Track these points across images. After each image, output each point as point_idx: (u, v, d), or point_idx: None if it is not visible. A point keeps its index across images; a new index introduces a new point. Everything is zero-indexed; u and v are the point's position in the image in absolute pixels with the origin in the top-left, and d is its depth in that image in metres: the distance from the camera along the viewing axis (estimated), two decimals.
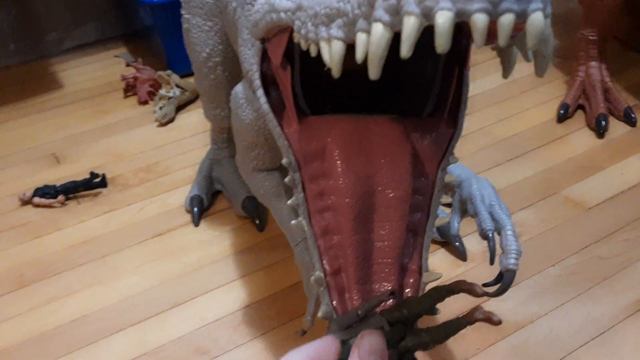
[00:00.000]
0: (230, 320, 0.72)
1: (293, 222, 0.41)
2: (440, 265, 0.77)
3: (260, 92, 0.42)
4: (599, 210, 0.84)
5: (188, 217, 0.88)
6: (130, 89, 1.23)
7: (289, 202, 0.41)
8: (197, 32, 0.73)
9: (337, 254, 0.40)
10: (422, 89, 0.44)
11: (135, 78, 1.22)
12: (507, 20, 0.26)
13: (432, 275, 0.41)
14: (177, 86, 1.16)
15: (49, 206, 0.93)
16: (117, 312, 0.75)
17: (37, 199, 0.93)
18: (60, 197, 0.93)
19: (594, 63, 1.04)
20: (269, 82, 0.43)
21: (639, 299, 0.70)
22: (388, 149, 0.40)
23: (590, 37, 1.03)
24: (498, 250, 0.51)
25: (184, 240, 0.84)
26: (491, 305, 0.71)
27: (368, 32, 0.28)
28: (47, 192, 0.94)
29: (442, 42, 0.26)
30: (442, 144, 0.42)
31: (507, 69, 0.31)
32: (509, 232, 0.50)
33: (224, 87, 0.76)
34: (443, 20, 0.26)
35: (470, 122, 1.05)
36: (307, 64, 0.40)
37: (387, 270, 0.40)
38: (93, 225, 0.89)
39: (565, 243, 0.79)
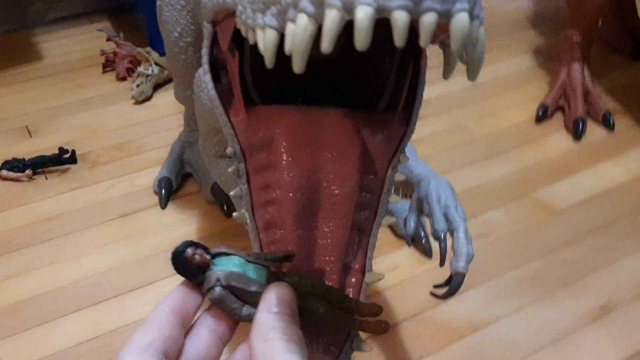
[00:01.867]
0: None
1: (235, 214, 0.40)
2: (406, 262, 0.77)
3: (208, 77, 0.41)
4: (568, 214, 0.83)
5: (156, 198, 0.87)
6: (109, 64, 1.21)
7: (231, 193, 0.40)
8: (169, 10, 0.71)
9: (279, 248, 0.39)
10: (378, 84, 0.43)
11: (115, 53, 1.20)
12: (428, 19, 0.25)
13: (375, 275, 0.40)
14: (156, 64, 1.14)
15: (17, 180, 0.91)
16: (75, 292, 0.74)
17: (4, 172, 0.92)
18: (28, 172, 0.91)
19: (576, 64, 1.03)
20: (220, 67, 0.42)
21: (599, 307, 0.70)
22: (336, 144, 0.39)
23: (574, 39, 1.02)
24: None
25: (149, 222, 0.83)
26: (450, 306, 0.71)
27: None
28: (15, 165, 0.92)
29: (361, 39, 0.25)
30: (394, 142, 0.41)
31: (446, 69, 0.30)
32: (461, 235, 0.49)
33: (195, 68, 0.74)
34: (363, 15, 0.25)
35: (448, 119, 1.04)
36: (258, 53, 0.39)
37: (328, 268, 0.39)
38: (59, 201, 0.88)
39: (531, 246, 0.78)
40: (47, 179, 0.92)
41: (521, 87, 1.13)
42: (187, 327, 0.32)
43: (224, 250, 0.34)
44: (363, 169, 0.39)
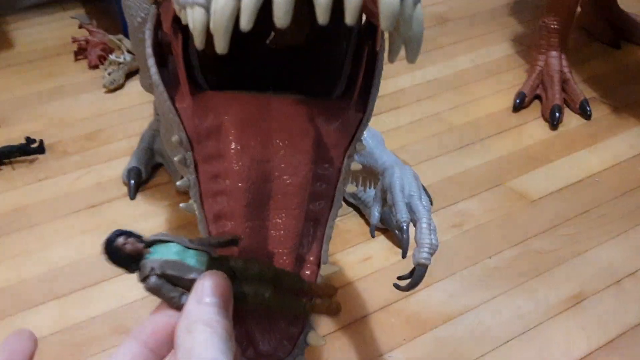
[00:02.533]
0: (154, 300, 0.69)
1: (182, 205, 0.39)
2: (378, 253, 0.76)
3: (151, 61, 0.39)
4: (542, 203, 0.83)
5: (125, 189, 0.85)
6: (81, 52, 1.18)
7: (178, 183, 0.39)
8: None
9: None
10: (334, 70, 0.41)
11: (87, 41, 1.17)
12: None
13: (331, 267, 0.39)
14: (129, 52, 1.11)
15: None
16: (39, 285, 0.72)
17: None
18: None
19: (554, 52, 1.02)
20: (167, 52, 0.40)
21: (570, 297, 0.69)
22: (288, 132, 0.38)
23: (552, 26, 1.01)
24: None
25: (118, 213, 0.82)
26: (421, 296, 0.70)
27: None
28: None
29: (280, 12, 0.24)
30: (349, 130, 0.39)
31: (389, 51, 0.29)
32: (424, 225, 0.48)
33: None
34: None
35: (425, 108, 1.03)
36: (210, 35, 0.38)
37: (282, 260, 0.38)
38: (25, 192, 0.86)
39: (505, 235, 0.78)
40: (14, 169, 0.90)
41: (500, 75, 1.12)
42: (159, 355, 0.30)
43: (162, 237, 0.32)
44: (317, 158, 0.38)
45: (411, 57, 0.28)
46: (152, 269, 0.31)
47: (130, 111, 1.02)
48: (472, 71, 1.13)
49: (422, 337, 0.66)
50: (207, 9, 0.27)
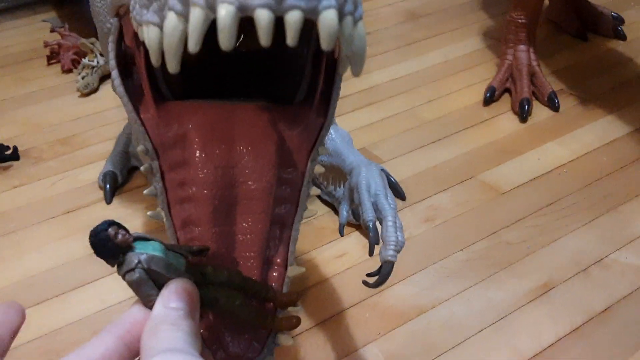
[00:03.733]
0: (131, 304, 0.70)
1: (150, 213, 0.40)
2: (353, 249, 0.77)
3: (115, 73, 0.40)
4: (512, 195, 0.85)
5: (101, 194, 0.85)
6: (54, 56, 1.18)
7: (145, 191, 0.40)
8: (101, 0, 0.69)
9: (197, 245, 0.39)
10: (296, 76, 0.42)
11: (59, 45, 1.17)
12: (292, 17, 0.24)
13: (297, 269, 0.40)
14: (102, 55, 1.11)
15: None
16: (15, 293, 0.72)
17: None
18: None
19: (522, 46, 1.04)
20: (130, 63, 0.41)
21: (538, 286, 0.71)
22: (252, 138, 0.39)
23: (519, 20, 1.03)
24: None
25: (94, 217, 0.82)
26: (395, 290, 0.71)
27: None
28: None
29: (224, 37, 0.24)
30: (311, 134, 0.40)
31: (337, 66, 0.30)
32: (389, 223, 0.49)
33: None
34: (225, 13, 0.24)
35: (398, 104, 1.04)
36: None
37: (249, 263, 0.39)
38: (0, 199, 0.86)
39: (476, 228, 0.79)
40: None
41: (471, 70, 1.13)
42: (133, 351, 0.31)
43: (145, 235, 0.33)
44: (280, 163, 0.39)
45: (355, 72, 0.29)
46: (139, 262, 0.31)
47: (105, 115, 1.02)
48: (444, 66, 1.15)
49: (396, 331, 0.67)
50: (161, 27, 0.28)
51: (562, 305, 0.69)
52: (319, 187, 0.81)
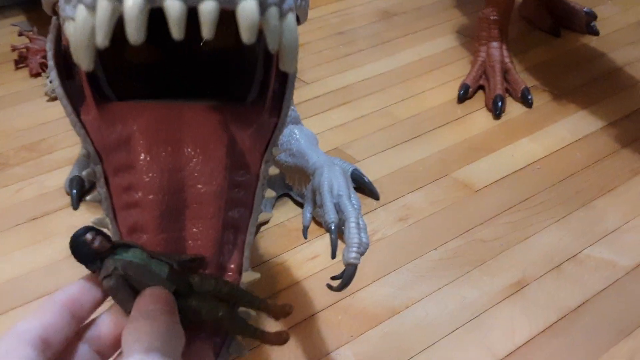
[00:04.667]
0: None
1: (93, 219, 0.38)
2: (326, 251, 0.75)
3: (54, 74, 0.38)
4: (486, 192, 0.84)
5: (68, 199, 0.83)
6: (22, 60, 1.15)
7: (88, 197, 0.38)
8: None
9: None
10: (248, 74, 0.41)
11: (27, 49, 1.14)
12: (206, 8, 0.23)
13: (252, 275, 0.39)
14: None
15: None
16: None
17: None
18: None
19: (495, 43, 1.04)
20: (71, 62, 0.39)
21: (512, 283, 0.71)
22: (201, 139, 0.37)
23: (491, 17, 1.03)
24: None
25: (61, 224, 0.80)
26: (368, 292, 0.70)
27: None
28: None
29: (131, 30, 0.23)
30: (264, 135, 0.39)
31: (284, 63, 0.28)
32: (352, 225, 0.48)
33: None
34: (131, 4, 0.23)
35: (373, 103, 1.04)
36: (115, 45, 0.37)
37: (201, 270, 0.37)
38: None
39: (450, 226, 0.79)
40: None
41: (445, 68, 1.13)
42: (79, 321, 0.32)
43: (127, 242, 0.33)
44: (232, 165, 0.38)
45: (286, 67, 0.28)
46: (116, 268, 0.31)
47: None
48: (417, 65, 1.14)
49: (369, 333, 0.66)
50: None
51: (536, 303, 0.68)
52: (290, 189, 0.80)
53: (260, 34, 0.27)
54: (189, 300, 0.33)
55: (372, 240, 0.77)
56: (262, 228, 0.79)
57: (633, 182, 0.85)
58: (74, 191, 0.82)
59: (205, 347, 0.35)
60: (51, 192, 0.85)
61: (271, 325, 0.63)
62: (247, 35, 0.24)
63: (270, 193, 0.39)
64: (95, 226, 0.32)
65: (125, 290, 0.32)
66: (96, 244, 0.32)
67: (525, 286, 0.70)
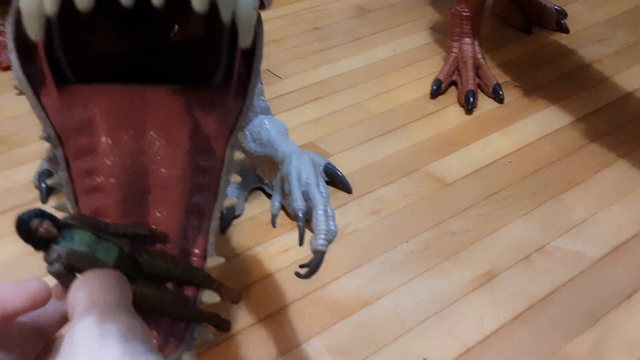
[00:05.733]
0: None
1: (53, 203, 0.37)
2: (295, 244, 0.76)
3: (13, 56, 0.38)
4: (457, 186, 0.85)
5: (37, 193, 0.82)
6: None
7: (49, 181, 0.38)
8: None
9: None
10: (213, 58, 0.41)
11: None
12: None
13: (217, 259, 0.38)
14: None
15: None
16: None
17: None
18: None
19: (467, 39, 1.05)
20: (32, 45, 0.39)
21: (481, 274, 0.72)
22: (164, 123, 0.37)
23: (464, 13, 1.04)
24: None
25: None
26: (340, 284, 0.70)
27: None
28: None
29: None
30: (229, 119, 0.39)
31: (239, 37, 0.28)
32: (320, 212, 0.48)
33: None
34: None
35: (346, 98, 1.04)
36: (78, 25, 0.37)
37: (160, 247, 0.37)
38: None
39: (421, 219, 0.79)
40: None
41: (418, 64, 1.14)
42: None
43: (77, 223, 0.32)
44: (196, 149, 0.37)
45: (241, 40, 0.28)
46: (59, 256, 0.31)
47: None
48: (391, 60, 1.15)
49: (340, 324, 0.66)
50: None
51: (504, 293, 0.69)
52: (262, 181, 0.80)
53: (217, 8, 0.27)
54: (138, 286, 0.33)
55: (345, 233, 0.77)
56: (235, 221, 0.79)
57: (600, 175, 0.86)
58: (43, 185, 0.81)
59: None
60: (20, 185, 0.84)
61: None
62: (197, 4, 0.24)
63: (235, 178, 0.39)
64: (41, 210, 0.31)
65: (69, 277, 0.31)
66: (41, 231, 0.31)
67: (494, 277, 0.71)
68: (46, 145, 0.89)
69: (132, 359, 0.25)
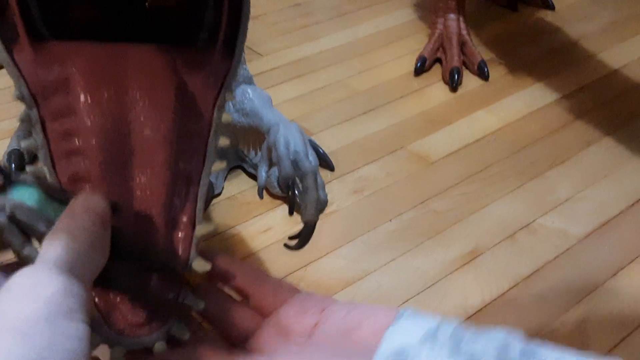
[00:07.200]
0: None
1: (29, 168, 0.35)
2: (279, 223, 0.74)
3: None
4: (441, 164, 0.84)
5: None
6: None
7: (22, 144, 0.35)
8: None
9: None
10: (197, 15, 0.38)
11: None
12: None
13: (206, 226, 0.36)
14: None
15: None
16: None
17: None
18: None
19: (452, 15, 1.03)
20: (3, 2, 0.36)
21: (466, 253, 0.70)
22: (147, 83, 0.35)
23: None
24: None
25: None
26: (322, 264, 0.69)
27: None
28: None
29: None
30: (216, 79, 0.36)
31: None
32: (310, 181, 0.46)
33: None
34: None
35: (329, 75, 1.02)
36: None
37: (152, 222, 0.35)
38: None
39: (405, 198, 0.78)
40: None
41: (403, 41, 1.12)
42: None
43: (28, 182, 0.31)
44: (182, 110, 0.35)
45: None
46: (3, 206, 0.29)
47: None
48: (375, 37, 1.13)
49: None
50: None
51: (488, 271, 0.68)
52: (244, 160, 0.78)
53: None
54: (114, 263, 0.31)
55: (327, 212, 0.76)
56: (214, 201, 0.77)
57: (585, 153, 0.85)
58: (13, 165, 0.78)
59: None
60: None
61: None
62: None
63: (224, 141, 0.37)
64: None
65: (12, 231, 0.30)
66: None
67: (478, 256, 0.70)
68: (16, 124, 0.85)
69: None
